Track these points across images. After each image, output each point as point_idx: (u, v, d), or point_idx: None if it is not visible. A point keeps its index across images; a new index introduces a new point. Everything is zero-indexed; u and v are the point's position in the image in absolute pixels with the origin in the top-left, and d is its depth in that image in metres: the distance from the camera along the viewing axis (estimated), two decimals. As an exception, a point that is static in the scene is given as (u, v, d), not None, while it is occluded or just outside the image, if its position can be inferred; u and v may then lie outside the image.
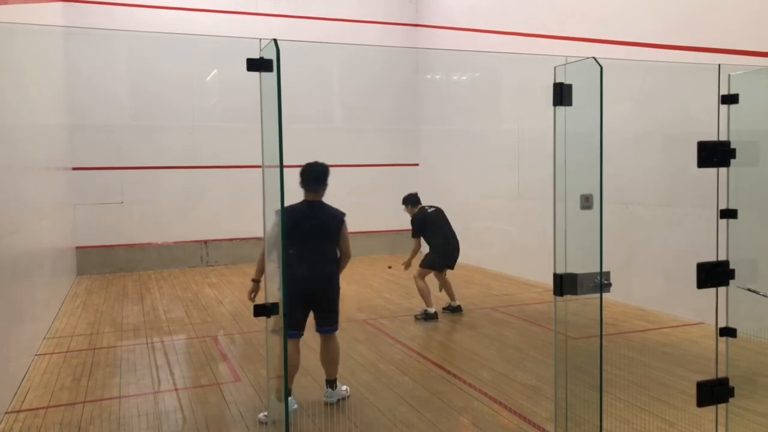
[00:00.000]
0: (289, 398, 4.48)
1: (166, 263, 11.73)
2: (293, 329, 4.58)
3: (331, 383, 4.85)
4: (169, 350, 6.37)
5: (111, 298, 9.11)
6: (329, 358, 4.84)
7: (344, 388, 4.98)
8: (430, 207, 7.70)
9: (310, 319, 4.80)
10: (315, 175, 4.71)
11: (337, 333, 4.86)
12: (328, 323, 4.78)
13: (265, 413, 4.60)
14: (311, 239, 4.65)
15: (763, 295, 2.73)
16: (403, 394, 4.92)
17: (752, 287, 2.82)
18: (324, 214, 4.75)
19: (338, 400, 4.83)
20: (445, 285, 7.69)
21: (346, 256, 4.84)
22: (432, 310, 7.34)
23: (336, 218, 4.78)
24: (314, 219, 4.68)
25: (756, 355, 3.83)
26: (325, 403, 4.79)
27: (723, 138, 3.32)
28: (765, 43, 6.09)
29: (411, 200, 7.68)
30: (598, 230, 3.21)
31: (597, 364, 3.29)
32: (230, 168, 11.65)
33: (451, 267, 7.67)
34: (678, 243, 7.01)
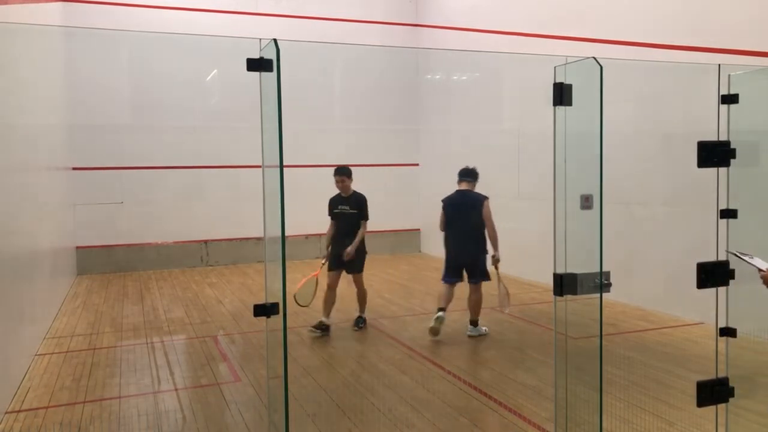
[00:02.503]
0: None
1: (166, 263, 11.72)
2: (453, 279, 6.55)
3: (473, 322, 6.53)
4: (169, 350, 6.36)
5: (111, 298, 9.10)
6: (473, 302, 6.50)
7: (484, 328, 6.57)
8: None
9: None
10: (464, 171, 6.67)
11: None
12: (473, 276, 6.51)
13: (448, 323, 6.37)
14: (459, 217, 6.47)
15: (748, 263, 2.73)
16: (403, 394, 4.93)
17: (738, 252, 2.83)
18: (468, 197, 6.53)
19: (478, 335, 6.49)
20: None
21: (490, 230, 6.41)
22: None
23: (477, 200, 6.46)
24: (461, 202, 6.52)
25: (756, 355, 3.83)
26: (468, 336, 6.49)
27: (723, 138, 3.32)
28: (765, 43, 6.08)
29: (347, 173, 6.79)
30: (598, 230, 3.21)
31: (597, 364, 3.29)
32: (230, 168, 11.64)
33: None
34: (678, 243, 7.00)
